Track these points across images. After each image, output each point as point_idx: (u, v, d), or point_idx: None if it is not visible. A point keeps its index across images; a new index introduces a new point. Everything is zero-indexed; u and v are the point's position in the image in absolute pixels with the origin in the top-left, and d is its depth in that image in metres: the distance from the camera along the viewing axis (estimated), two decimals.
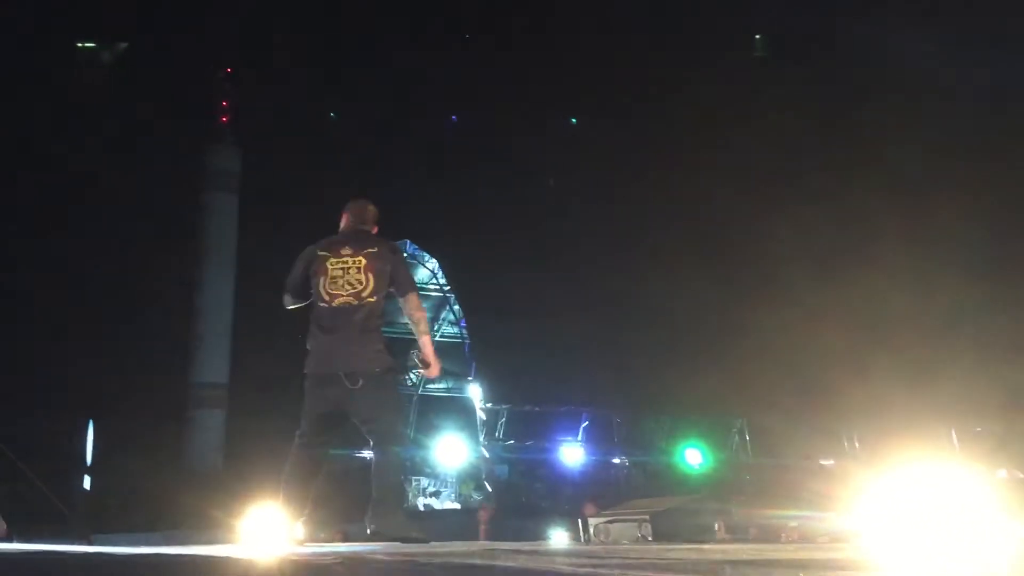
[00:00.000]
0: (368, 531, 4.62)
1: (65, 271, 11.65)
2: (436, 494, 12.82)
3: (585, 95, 14.79)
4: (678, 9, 14.18)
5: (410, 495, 12.63)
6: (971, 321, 11.55)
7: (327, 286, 4.76)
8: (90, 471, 10.05)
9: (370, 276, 4.74)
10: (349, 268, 4.79)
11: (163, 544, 5.14)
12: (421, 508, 12.30)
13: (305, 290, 4.86)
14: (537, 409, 13.26)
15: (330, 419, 4.82)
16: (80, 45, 14.24)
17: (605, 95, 14.65)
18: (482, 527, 10.05)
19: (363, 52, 14.32)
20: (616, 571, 2.59)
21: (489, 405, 12.79)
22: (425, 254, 13.86)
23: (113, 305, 12.07)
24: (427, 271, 14.22)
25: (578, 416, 13.40)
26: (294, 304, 4.94)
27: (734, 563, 2.72)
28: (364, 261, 4.78)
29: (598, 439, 13.23)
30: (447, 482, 12.78)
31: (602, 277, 13.82)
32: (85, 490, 9.90)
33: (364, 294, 4.72)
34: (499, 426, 12.90)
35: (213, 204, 14.01)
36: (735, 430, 13.51)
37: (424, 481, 12.97)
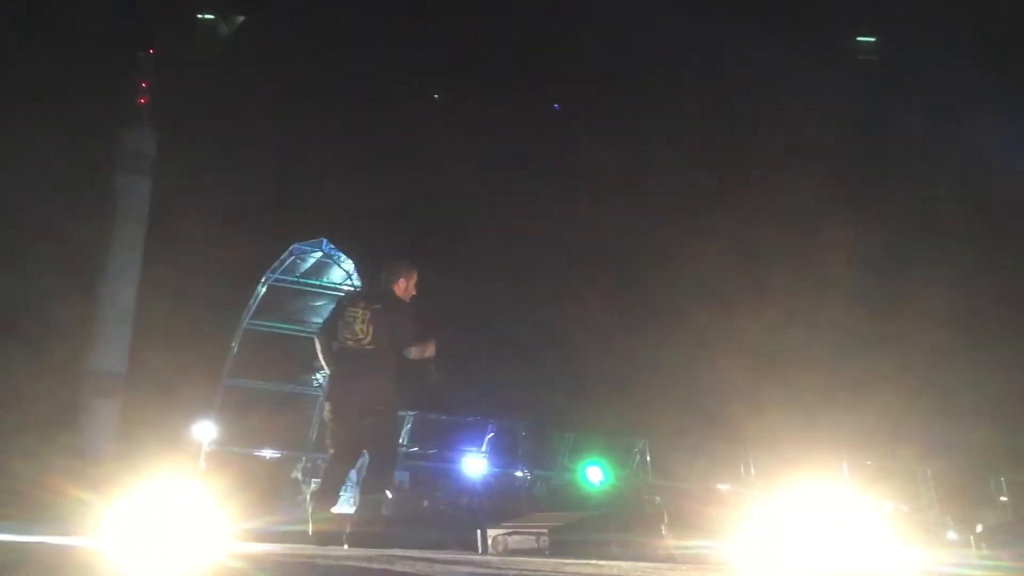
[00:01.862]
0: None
1: None
2: None
3: (510, 118, 14.87)
4: (587, 40, 14.38)
5: (309, 497, 12.42)
6: (863, 359, 12.01)
7: (341, 329, 5.90)
8: None
9: (370, 328, 5.85)
10: (357, 318, 5.88)
11: (47, 535, 4.94)
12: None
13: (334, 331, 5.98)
14: (443, 417, 13.21)
15: (349, 441, 5.89)
16: None
17: (526, 120, 14.78)
18: (379, 533, 9.95)
19: (286, 39, 14.15)
20: None
21: None
22: (340, 254, 13.65)
23: (7, 286, 11.57)
24: (342, 271, 14.02)
25: (484, 427, 13.40)
26: (324, 341, 6.05)
27: None
28: (368, 315, 5.88)
29: (502, 451, 13.24)
30: (346, 486, 12.59)
31: (515, 295, 13.92)
32: None
33: (364, 342, 5.83)
34: (403, 432, 12.81)
35: (124, 187, 13.58)
36: (636, 451, 13.70)
37: None
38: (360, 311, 5.91)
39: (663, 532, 6.84)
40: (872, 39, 13.53)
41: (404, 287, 6.17)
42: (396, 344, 5.90)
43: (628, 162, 13.17)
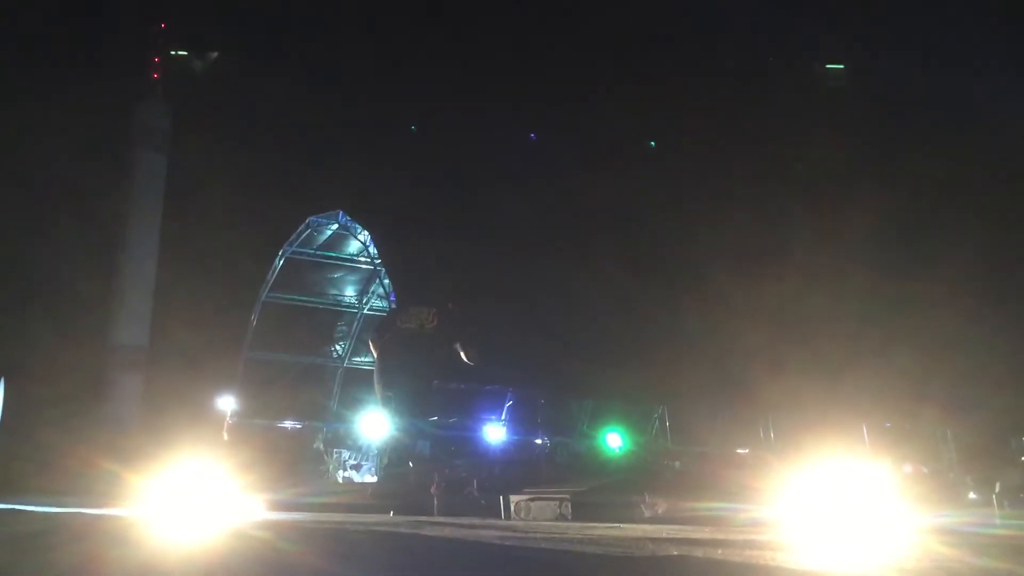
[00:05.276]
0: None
1: None
2: (357, 467, 12.79)
3: (532, 96, 14.78)
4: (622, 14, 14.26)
5: (331, 467, 12.57)
6: (883, 322, 11.96)
7: (401, 321, 6.54)
8: (0, 431, 9.71)
9: (434, 319, 6.56)
10: (421, 313, 6.60)
11: (77, 506, 5.03)
12: (340, 480, 12.24)
13: None
14: (463, 387, 13.26)
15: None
16: None
17: (550, 99, 14.69)
18: (403, 501, 10.06)
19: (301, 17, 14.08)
20: (542, 544, 2.65)
21: None
22: (357, 226, 13.67)
23: (30, 263, 11.67)
24: (358, 243, 14.06)
25: (503, 396, 13.46)
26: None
27: (655, 540, 2.79)
28: (435, 311, 6.62)
29: (521, 419, 13.30)
30: (368, 455, 12.73)
31: (533, 265, 13.92)
32: None
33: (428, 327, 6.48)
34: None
35: (140, 162, 13.64)
36: (655, 416, 13.73)
37: (345, 453, 12.93)
38: (425, 311, 6.67)
39: (683, 495, 6.87)
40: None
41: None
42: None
43: (645, 130, 13.10)
